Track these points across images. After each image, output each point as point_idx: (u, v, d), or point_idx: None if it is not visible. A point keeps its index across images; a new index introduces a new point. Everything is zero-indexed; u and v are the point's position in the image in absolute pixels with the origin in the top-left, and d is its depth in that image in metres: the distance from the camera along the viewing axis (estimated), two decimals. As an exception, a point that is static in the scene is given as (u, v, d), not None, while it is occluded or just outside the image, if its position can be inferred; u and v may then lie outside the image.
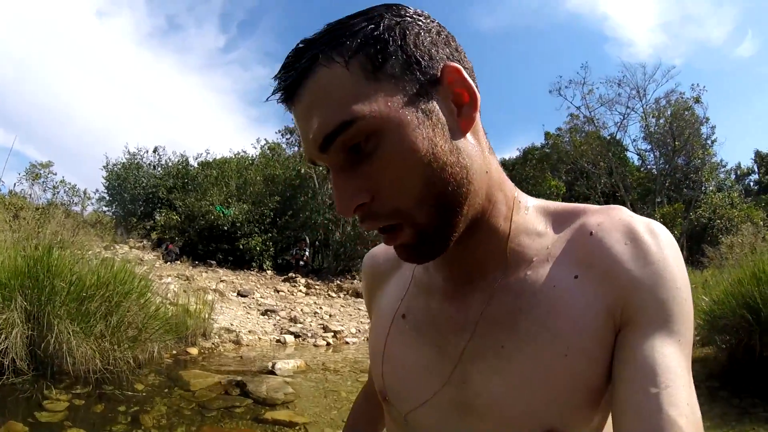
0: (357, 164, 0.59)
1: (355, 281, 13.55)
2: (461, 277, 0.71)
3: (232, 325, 7.88)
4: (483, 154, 0.65)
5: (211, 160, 18.15)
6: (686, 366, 0.58)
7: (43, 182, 16.64)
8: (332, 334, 8.71)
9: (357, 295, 12.30)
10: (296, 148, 24.91)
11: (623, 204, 21.97)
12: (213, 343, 6.92)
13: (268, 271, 13.71)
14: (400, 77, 0.58)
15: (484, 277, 0.69)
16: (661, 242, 0.63)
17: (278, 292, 11.66)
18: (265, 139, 19.15)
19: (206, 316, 6.91)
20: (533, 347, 0.63)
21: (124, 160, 18.19)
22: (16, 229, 5.68)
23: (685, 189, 22.71)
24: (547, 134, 27.16)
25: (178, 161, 18.44)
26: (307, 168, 15.24)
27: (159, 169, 18.41)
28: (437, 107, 0.59)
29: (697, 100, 22.04)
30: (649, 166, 24.79)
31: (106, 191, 18.04)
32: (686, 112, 22.25)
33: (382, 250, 0.91)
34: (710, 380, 5.46)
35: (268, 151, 19.16)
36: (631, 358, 0.58)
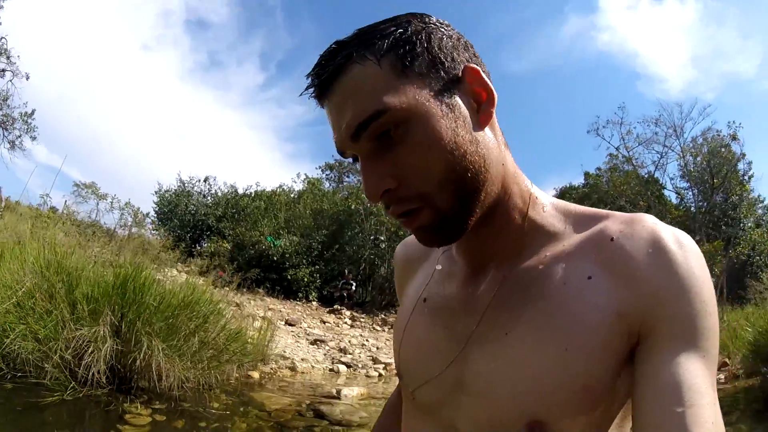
0: (384, 152, 0.63)
1: (402, 316, 13.63)
2: (477, 265, 0.75)
3: (284, 352, 8.04)
4: (499, 148, 0.69)
5: (259, 192, 18.62)
6: (711, 383, 0.57)
7: (110, 203, 17.16)
8: (383, 365, 8.80)
9: (403, 329, 12.39)
10: (336, 184, 25.40)
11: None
12: (271, 368, 7.09)
13: (314, 302, 13.97)
14: (426, 75, 0.63)
15: (498, 267, 0.72)
16: (688, 252, 0.62)
17: (324, 323, 11.86)
18: (306, 174, 19.59)
19: (266, 342, 7.09)
20: (535, 338, 0.63)
21: (175, 187, 18.81)
22: (99, 247, 5.97)
23: (723, 226, 22.42)
24: (586, 174, 27.17)
25: (228, 191, 18.97)
26: (356, 204, 15.55)
27: (209, 198, 18.94)
28: (459, 102, 0.64)
29: (734, 138, 21.95)
30: (687, 204, 24.58)
31: (155, 215, 18.61)
32: (723, 149, 22.18)
33: (413, 241, 0.92)
34: (755, 403, 5.59)
35: (309, 186, 19.58)
36: (654, 374, 0.57)
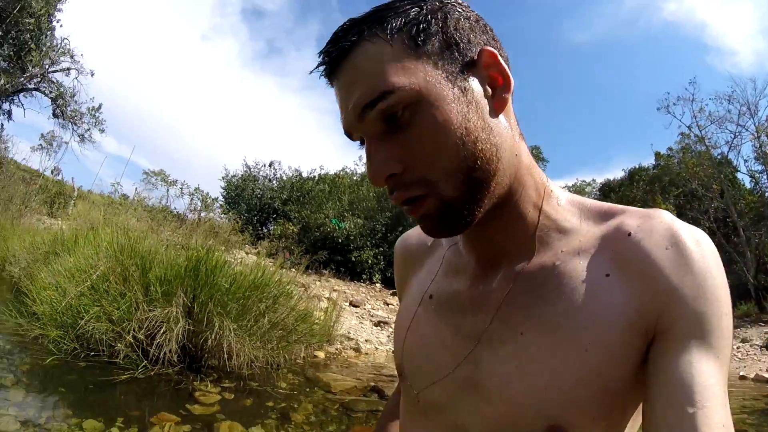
0: (391, 134, 0.61)
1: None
2: (487, 260, 0.72)
3: (349, 333, 8.11)
4: (514, 138, 0.66)
5: (323, 175, 18.86)
6: (723, 384, 0.56)
7: (180, 189, 17.97)
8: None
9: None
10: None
11: (735, 230, 20.65)
12: (336, 349, 7.15)
13: (378, 284, 14.06)
14: (440, 56, 0.61)
15: (510, 263, 0.70)
16: (705, 251, 0.61)
17: (388, 305, 11.89)
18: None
19: (332, 323, 7.15)
20: (552, 338, 0.62)
21: (242, 172, 19.28)
22: (170, 231, 6.14)
23: (801, 215, 20.98)
24: (657, 154, 26.04)
25: (293, 175, 19.28)
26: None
27: (274, 182, 19.30)
28: (473, 86, 0.62)
29: (812, 119, 20.38)
30: (762, 189, 23.08)
31: (223, 200, 19.14)
32: (800, 131, 20.69)
33: (415, 234, 0.91)
34: None
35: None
36: (666, 373, 0.56)
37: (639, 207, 0.69)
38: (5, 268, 7.72)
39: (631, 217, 0.66)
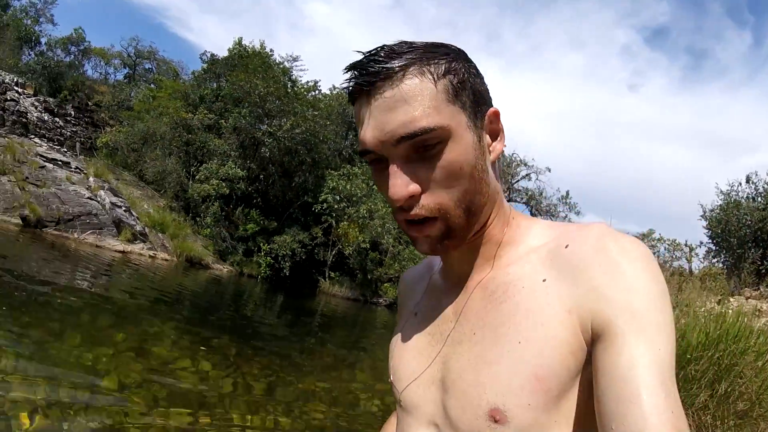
0: (417, 161, 0.70)
1: None
2: (456, 278, 0.83)
3: None
4: (498, 179, 0.79)
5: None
6: (668, 375, 0.57)
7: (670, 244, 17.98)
8: None
9: None
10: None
11: None
12: None
13: None
14: (469, 108, 0.72)
15: (473, 278, 0.80)
16: (632, 254, 0.65)
17: None
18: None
19: None
20: (495, 334, 0.70)
21: (720, 202, 17.09)
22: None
23: None
24: None
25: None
26: None
27: (759, 199, 16.36)
28: (484, 136, 0.75)
29: None
30: None
31: (710, 241, 17.19)
32: None
33: (413, 269, 1.03)
34: None
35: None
36: (607, 374, 0.59)
37: None
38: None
39: (571, 231, 0.74)
